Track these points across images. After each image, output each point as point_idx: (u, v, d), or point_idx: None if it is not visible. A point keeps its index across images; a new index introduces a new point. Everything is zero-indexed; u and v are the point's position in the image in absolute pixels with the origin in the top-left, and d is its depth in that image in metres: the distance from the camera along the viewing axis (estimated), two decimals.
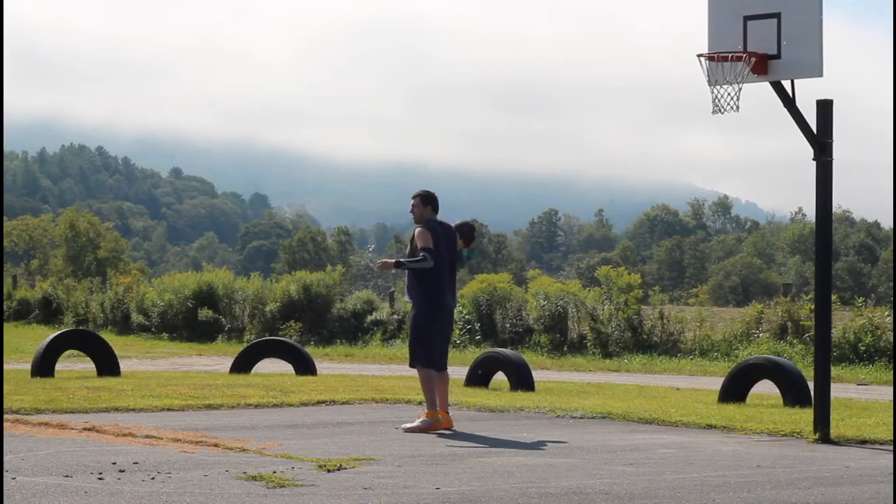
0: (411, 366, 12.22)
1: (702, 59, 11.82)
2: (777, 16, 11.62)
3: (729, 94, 11.74)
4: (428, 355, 12.03)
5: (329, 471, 8.94)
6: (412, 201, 12.33)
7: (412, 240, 12.11)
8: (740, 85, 11.68)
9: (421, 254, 11.87)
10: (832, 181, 11.82)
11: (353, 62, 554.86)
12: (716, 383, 18.05)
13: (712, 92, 11.78)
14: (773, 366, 15.31)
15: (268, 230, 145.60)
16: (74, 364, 21.96)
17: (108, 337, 28.32)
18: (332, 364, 25.49)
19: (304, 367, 19.30)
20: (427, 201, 12.30)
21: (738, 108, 11.78)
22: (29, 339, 29.43)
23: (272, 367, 21.25)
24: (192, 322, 33.74)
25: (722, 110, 11.78)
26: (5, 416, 11.97)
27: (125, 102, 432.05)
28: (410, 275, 12.06)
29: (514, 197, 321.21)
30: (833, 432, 11.74)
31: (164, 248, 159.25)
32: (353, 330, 32.26)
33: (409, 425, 11.96)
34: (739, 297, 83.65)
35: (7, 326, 34.70)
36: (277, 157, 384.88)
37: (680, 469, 9.51)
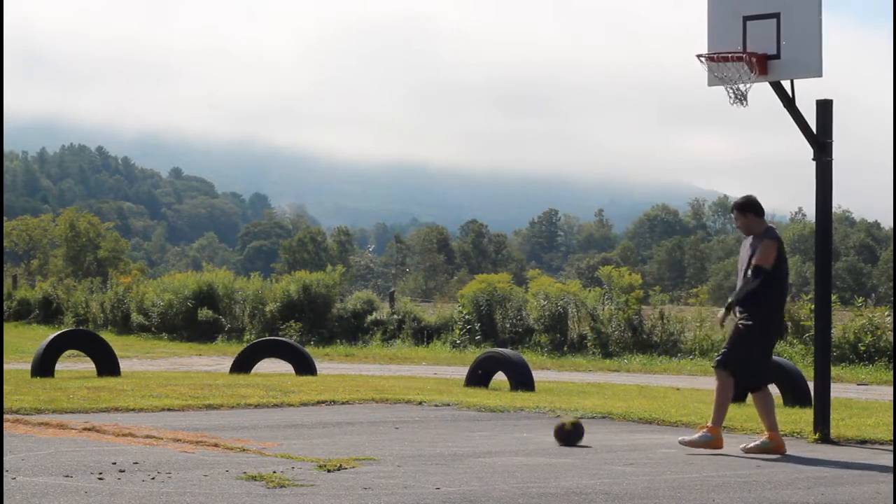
0: (718, 367, 10.93)
1: (701, 59, 11.82)
2: (776, 16, 11.62)
3: (741, 88, 11.73)
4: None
5: (329, 471, 8.94)
6: (732, 215, 11.13)
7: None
8: (749, 84, 11.66)
9: (752, 270, 10.77)
10: (832, 181, 11.82)
11: (353, 62, 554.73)
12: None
13: (725, 88, 11.76)
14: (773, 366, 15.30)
15: (268, 230, 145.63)
16: (74, 364, 21.96)
17: (108, 337, 28.31)
18: (332, 364, 25.49)
19: (304, 367, 19.30)
20: (745, 209, 11.01)
21: (746, 102, 11.77)
22: (29, 339, 29.42)
23: (272, 367, 21.25)
24: (192, 322, 33.74)
25: (742, 102, 11.70)
26: (5, 416, 11.97)
27: (125, 102, 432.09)
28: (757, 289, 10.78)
29: (514, 197, 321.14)
30: (833, 432, 11.74)
31: (164, 248, 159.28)
32: (353, 330, 32.26)
33: (686, 438, 10.79)
34: None
35: (7, 326, 34.70)
36: (277, 157, 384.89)
37: (680, 469, 9.51)
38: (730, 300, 10.93)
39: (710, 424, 10.77)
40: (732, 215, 11.13)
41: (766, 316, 10.80)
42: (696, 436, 10.74)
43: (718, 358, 10.94)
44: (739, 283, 10.94)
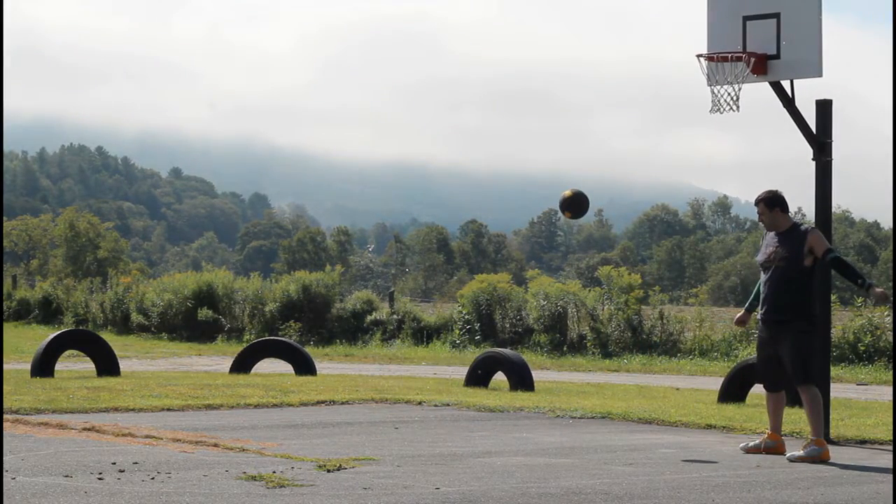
0: (805, 383, 10.50)
1: (701, 59, 11.82)
2: (776, 16, 11.63)
3: (729, 93, 11.75)
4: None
5: (329, 471, 8.94)
6: (757, 209, 10.80)
7: (808, 250, 10.46)
8: (740, 85, 11.68)
9: (832, 255, 10.51)
10: (832, 181, 11.82)
11: (353, 62, 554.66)
12: (716, 383, 18.06)
13: (712, 91, 11.79)
14: None
15: (267, 230, 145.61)
16: (74, 364, 21.96)
17: (108, 337, 28.31)
18: (331, 364, 25.49)
19: (304, 367, 19.30)
20: (774, 204, 10.73)
21: (738, 108, 11.77)
22: (29, 339, 29.42)
23: (272, 367, 21.25)
24: (191, 322, 33.73)
25: (721, 110, 11.77)
26: (5, 416, 11.97)
27: (125, 102, 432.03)
28: (800, 289, 10.54)
29: (515, 197, 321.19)
30: (833, 432, 11.75)
31: (163, 248, 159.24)
32: (353, 330, 32.26)
33: (795, 453, 10.40)
34: (739, 297, 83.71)
35: (7, 326, 34.70)
36: (277, 157, 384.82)
37: (680, 469, 9.51)
38: (868, 280, 10.54)
39: (813, 437, 10.43)
40: (757, 209, 10.82)
41: (815, 315, 10.64)
42: (803, 451, 10.39)
43: (799, 378, 10.47)
44: (765, 280, 10.65)
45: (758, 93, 11.90)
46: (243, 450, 10.03)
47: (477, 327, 30.19)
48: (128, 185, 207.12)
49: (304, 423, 12.31)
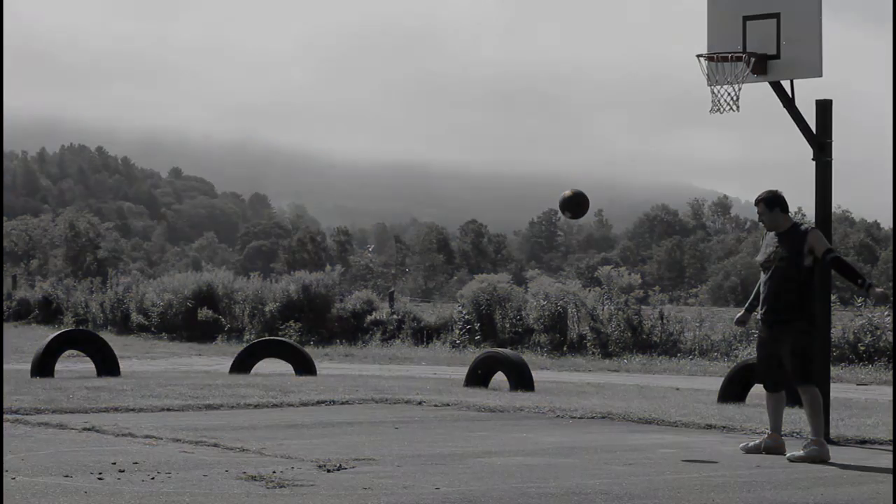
0: (805, 383, 10.44)
1: (701, 59, 11.82)
2: (776, 16, 11.63)
3: (729, 93, 11.75)
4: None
5: (329, 471, 8.94)
6: (757, 209, 10.70)
7: (808, 250, 10.40)
8: (740, 85, 11.68)
9: (832, 255, 10.47)
10: (832, 181, 11.82)
11: (353, 62, 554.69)
12: (716, 383, 18.06)
13: (712, 91, 11.79)
14: None
15: (267, 230, 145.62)
16: (74, 364, 21.96)
17: (108, 337, 28.32)
18: (331, 364, 25.49)
19: (304, 367, 19.31)
20: (774, 204, 10.65)
21: (738, 108, 11.77)
22: (29, 339, 29.43)
23: (272, 368, 21.26)
24: (191, 322, 33.75)
25: (721, 110, 11.77)
26: (5, 416, 11.97)
27: (125, 102, 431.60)
28: (801, 288, 10.47)
29: (515, 197, 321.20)
30: (833, 432, 11.74)
31: (163, 248, 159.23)
32: (353, 330, 32.28)
33: (795, 453, 10.34)
34: (739, 297, 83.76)
35: (7, 326, 34.72)
36: (277, 157, 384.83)
37: (680, 469, 9.51)
38: (868, 280, 10.46)
39: (813, 437, 10.38)
40: (757, 209, 10.72)
41: (815, 315, 10.59)
42: (803, 451, 10.33)
43: (799, 378, 10.41)
44: (765, 280, 10.58)
45: (758, 93, 11.90)
46: (243, 450, 10.03)
47: (477, 327, 30.19)
48: (128, 185, 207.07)
49: (304, 423, 12.31)
